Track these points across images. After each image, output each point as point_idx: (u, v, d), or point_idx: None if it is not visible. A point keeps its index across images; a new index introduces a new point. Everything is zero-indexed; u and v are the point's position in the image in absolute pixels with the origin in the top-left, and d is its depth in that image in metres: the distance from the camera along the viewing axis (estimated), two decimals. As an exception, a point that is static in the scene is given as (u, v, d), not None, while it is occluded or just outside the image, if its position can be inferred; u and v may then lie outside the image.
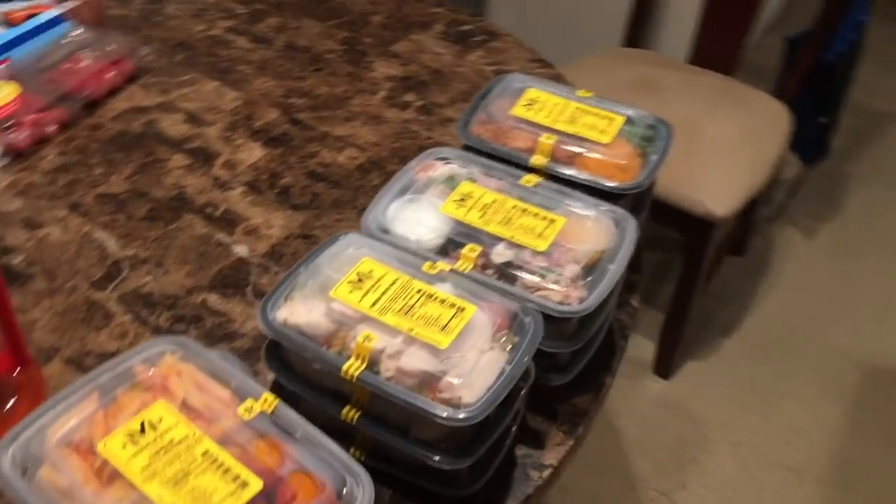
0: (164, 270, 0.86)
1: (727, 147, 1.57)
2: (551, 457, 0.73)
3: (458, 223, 0.76)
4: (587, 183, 0.81)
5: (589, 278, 0.73)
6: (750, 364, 1.84)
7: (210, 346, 0.79)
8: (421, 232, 0.76)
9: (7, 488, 0.55)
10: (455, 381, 0.62)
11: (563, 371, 0.76)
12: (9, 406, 0.71)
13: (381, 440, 0.66)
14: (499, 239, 0.75)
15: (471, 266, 0.73)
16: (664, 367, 1.80)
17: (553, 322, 0.71)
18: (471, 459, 0.65)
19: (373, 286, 0.68)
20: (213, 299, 0.84)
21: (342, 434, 0.68)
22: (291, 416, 0.60)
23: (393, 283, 0.68)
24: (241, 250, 0.89)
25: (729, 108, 1.65)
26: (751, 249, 2.09)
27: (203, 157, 1.00)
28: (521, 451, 0.74)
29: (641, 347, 1.83)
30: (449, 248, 0.75)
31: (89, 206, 0.93)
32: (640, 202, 0.87)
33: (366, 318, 0.66)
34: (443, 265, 0.71)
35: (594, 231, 0.77)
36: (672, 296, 1.69)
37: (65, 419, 0.59)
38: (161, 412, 0.59)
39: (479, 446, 0.66)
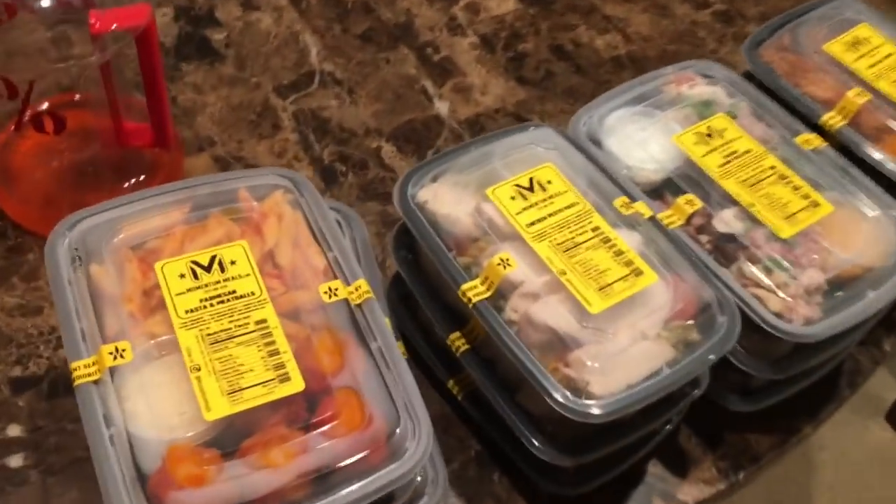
0: (352, 100, 0.76)
1: None
2: (690, 493, 0.56)
3: (690, 163, 0.58)
4: (887, 172, 0.59)
5: (833, 297, 0.53)
6: None
7: (361, 200, 0.69)
8: (639, 158, 0.58)
9: (52, 273, 0.48)
10: (589, 361, 0.47)
11: (750, 398, 0.57)
12: (131, 183, 0.64)
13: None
14: (732, 202, 0.56)
15: (680, 222, 0.55)
16: (901, 415, 1.49)
17: (759, 333, 0.52)
18: (578, 460, 0.50)
19: (542, 201, 0.52)
20: (388, 150, 0.72)
21: (448, 360, 0.56)
22: (378, 319, 0.48)
23: (569, 206, 0.52)
24: (441, 107, 0.76)
25: None
26: None
27: (448, -9, 0.86)
28: (655, 467, 0.57)
29: (882, 384, 1.53)
30: (665, 190, 0.58)
31: (310, 5, 0.83)
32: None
33: (515, 237, 0.51)
34: (643, 208, 0.54)
35: (869, 237, 0.56)
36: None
37: (144, 220, 0.50)
38: (238, 255, 0.49)
39: (596, 449, 0.50)
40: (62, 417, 0.55)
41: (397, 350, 0.47)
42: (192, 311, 0.46)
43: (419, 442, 0.44)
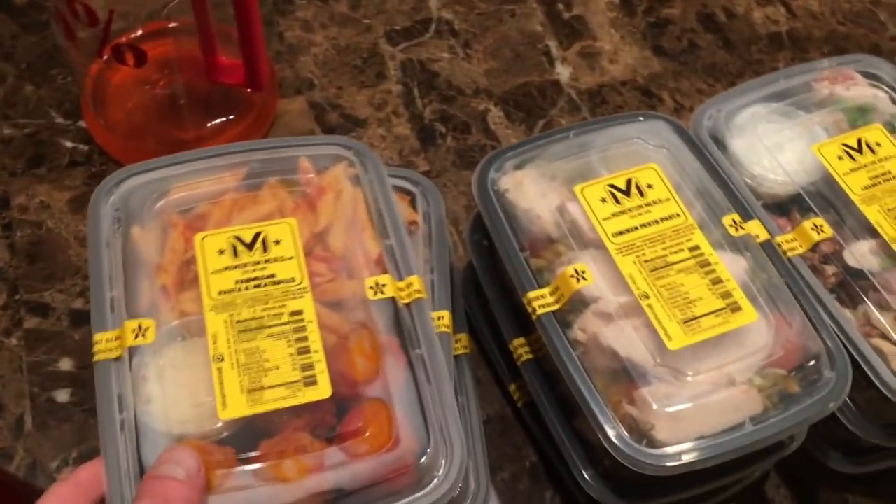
0: (466, 54, 0.69)
1: None
2: (768, 550, 0.50)
3: (828, 180, 0.49)
4: None
5: (977, 366, 0.44)
6: None
7: (456, 167, 0.63)
8: (767, 166, 0.50)
9: (91, 234, 0.45)
10: (657, 402, 0.40)
11: (855, 459, 0.49)
12: (218, 121, 0.61)
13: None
14: (871, 233, 0.47)
15: (802, 249, 0.47)
16: None
17: (875, 391, 0.44)
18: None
19: (636, 208, 0.45)
20: (495, 115, 0.66)
21: (513, 363, 0.51)
22: (426, 324, 0.42)
23: (667, 217, 0.45)
24: (562, 72, 0.69)
25: None
26: None
27: (593, -63, 0.78)
28: (730, 511, 0.51)
29: None
30: (792, 206, 0.49)
31: (437, -56, 0.77)
32: None
33: (598, 246, 0.44)
34: (758, 229, 0.46)
35: None
36: None
37: (195, 183, 0.46)
38: (285, 235, 0.44)
39: (657, 496, 0.45)
40: (114, 363, 0.54)
41: (442, 361, 0.42)
42: (225, 292, 0.42)
43: (449, 472, 0.39)
